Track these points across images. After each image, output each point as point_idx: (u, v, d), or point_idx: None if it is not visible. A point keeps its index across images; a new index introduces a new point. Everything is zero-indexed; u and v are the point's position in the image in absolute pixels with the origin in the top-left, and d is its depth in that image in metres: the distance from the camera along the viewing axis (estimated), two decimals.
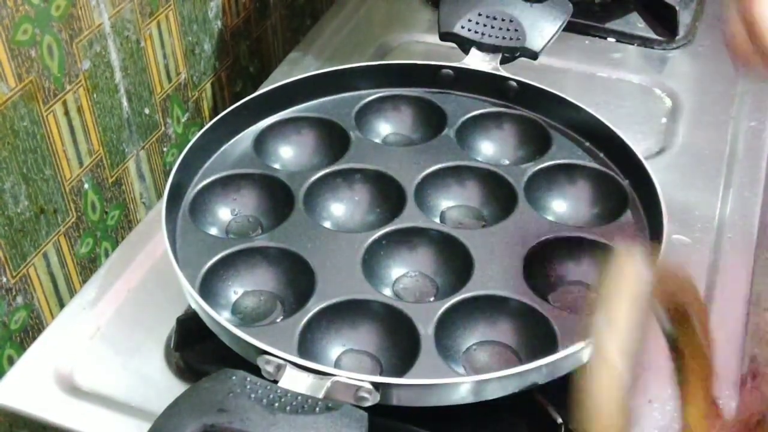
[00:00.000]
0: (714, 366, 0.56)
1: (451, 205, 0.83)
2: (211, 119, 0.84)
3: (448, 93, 0.93)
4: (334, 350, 0.69)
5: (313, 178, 0.81)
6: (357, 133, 0.87)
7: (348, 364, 0.69)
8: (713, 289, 0.82)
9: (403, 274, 0.76)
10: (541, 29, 0.91)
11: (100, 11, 0.88)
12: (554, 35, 0.92)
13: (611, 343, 0.49)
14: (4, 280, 0.84)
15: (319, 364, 0.62)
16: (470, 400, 0.63)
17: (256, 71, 1.23)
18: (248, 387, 0.58)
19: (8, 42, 0.77)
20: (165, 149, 1.06)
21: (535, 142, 0.88)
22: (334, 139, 0.87)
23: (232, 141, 0.86)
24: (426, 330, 0.68)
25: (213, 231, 0.79)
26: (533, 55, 0.91)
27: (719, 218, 0.89)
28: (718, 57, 1.12)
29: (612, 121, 0.84)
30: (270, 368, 0.62)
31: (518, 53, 0.92)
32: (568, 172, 0.84)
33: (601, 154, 0.85)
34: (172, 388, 0.73)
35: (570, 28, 0.95)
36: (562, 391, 0.72)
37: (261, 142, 0.86)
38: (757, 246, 0.87)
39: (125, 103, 0.96)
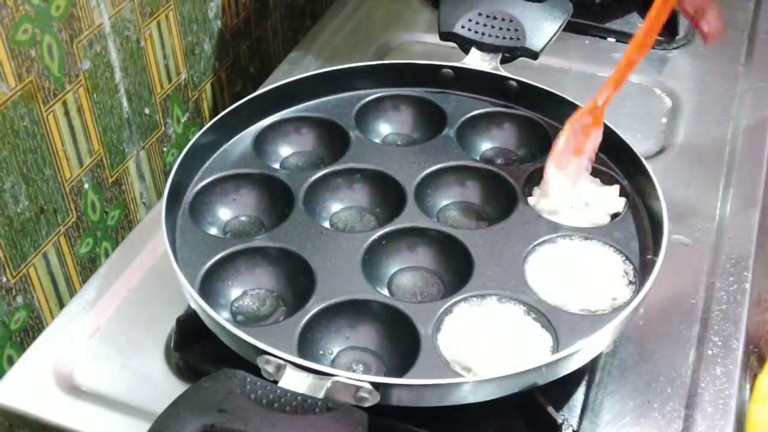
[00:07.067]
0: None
1: (451, 204, 0.83)
2: (211, 119, 0.84)
3: (448, 93, 0.93)
4: (334, 350, 0.69)
5: (313, 178, 0.81)
6: (357, 133, 0.87)
7: (348, 364, 0.69)
8: (713, 289, 0.82)
9: (403, 275, 0.76)
10: (541, 29, 0.91)
11: (100, 11, 0.88)
12: (554, 35, 0.92)
13: None
14: (4, 280, 0.84)
15: (319, 365, 0.62)
16: (470, 400, 0.63)
17: (256, 71, 1.23)
18: (248, 387, 0.58)
19: (8, 42, 0.77)
20: (165, 149, 1.06)
21: (535, 142, 0.88)
22: (334, 139, 0.87)
23: (232, 141, 0.86)
24: (426, 330, 0.68)
25: (213, 231, 0.79)
26: (533, 55, 0.91)
27: (719, 218, 0.89)
28: (718, 57, 1.12)
29: (612, 121, 0.83)
30: (270, 368, 0.62)
31: (518, 53, 0.92)
32: None
33: (601, 154, 0.84)
34: (172, 388, 0.73)
35: (570, 28, 0.95)
36: (562, 391, 0.73)
37: (261, 142, 0.86)
38: (757, 246, 0.87)
39: (125, 103, 0.96)
